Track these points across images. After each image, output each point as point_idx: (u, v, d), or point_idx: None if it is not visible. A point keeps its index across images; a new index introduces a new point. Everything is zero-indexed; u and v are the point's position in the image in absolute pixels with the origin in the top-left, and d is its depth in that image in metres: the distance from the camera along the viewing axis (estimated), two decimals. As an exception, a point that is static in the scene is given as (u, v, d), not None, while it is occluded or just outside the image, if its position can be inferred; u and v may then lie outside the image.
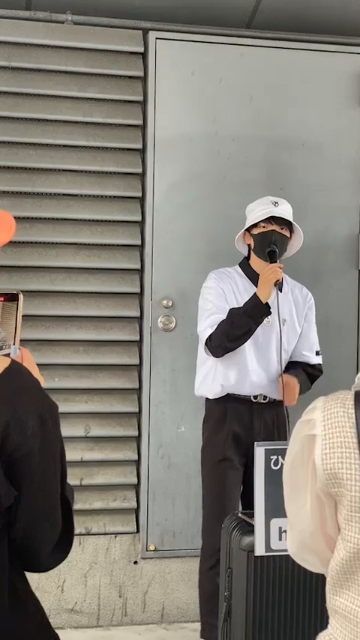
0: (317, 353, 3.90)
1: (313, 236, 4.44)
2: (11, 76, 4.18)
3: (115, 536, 4.30)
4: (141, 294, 4.30)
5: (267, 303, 3.62)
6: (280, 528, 3.01)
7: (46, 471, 1.52)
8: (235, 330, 3.59)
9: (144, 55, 4.30)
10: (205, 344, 3.67)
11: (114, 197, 4.29)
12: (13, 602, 1.54)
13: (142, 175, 4.31)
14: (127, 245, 4.31)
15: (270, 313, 3.64)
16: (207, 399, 3.79)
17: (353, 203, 4.50)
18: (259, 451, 3.00)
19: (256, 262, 3.76)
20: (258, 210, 3.69)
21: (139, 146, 4.31)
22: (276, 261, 3.67)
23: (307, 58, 4.43)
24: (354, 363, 4.46)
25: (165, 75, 4.29)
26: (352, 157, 4.49)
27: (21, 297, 1.60)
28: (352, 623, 1.48)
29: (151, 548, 4.26)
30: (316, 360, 3.89)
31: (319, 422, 1.49)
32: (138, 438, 4.30)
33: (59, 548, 1.60)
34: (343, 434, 1.47)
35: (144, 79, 4.31)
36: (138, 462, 4.30)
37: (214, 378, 3.73)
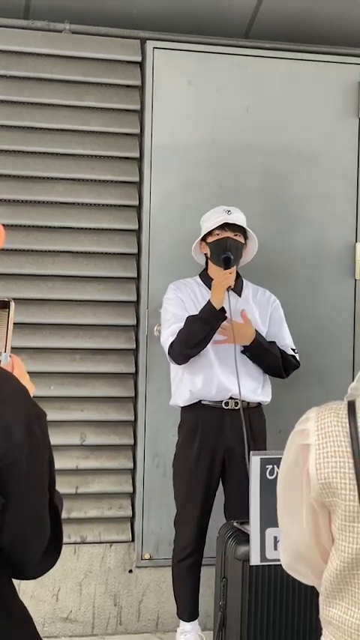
0: (294, 351, 3.97)
1: (309, 245, 4.45)
2: (9, 84, 4.19)
3: (110, 545, 4.29)
4: (137, 302, 4.30)
5: (222, 309, 3.73)
6: (275, 538, 3.01)
7: (34, 478, 1.52)
8: (193, 337, 3.73)
9: (141, 65, 4.31)
10: (168, 353, 3.81)
11: (111, 205, 4.30)
12: (0, 610, 1.54)
13: (139, 184, 4.32)
14: (123, 253, 4.32)
15: (225, 318, 3.74)
16: (181, 408, 3.90)
17: (349, 212, 4.51)
18: (255, 460, 3.00)
19: (213, 270, 3.88)
20: (212, 219, 3.82)
21: (136, 155, 4.32)
22: (230, 267, 3.78)
23: (304, 68, 4.45)
24: (350, 372, 4.46)
25: (162, 84, 4.30)
26: (349, 166, 4.50)
27: (12, 304, 1.60)
28: (346, 633, 1.47)
29: (146, 556, 4.26)
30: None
31: (313, 432, 1.49)
32: (133, 447, 4.29)
33: (47, 556, 1.59)
34: (337, 443, 1.47)
35: (141, 88, 4.32)
36: (133, 471, 4.29)
37: (182, 385, 3.85)
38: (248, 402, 3.83)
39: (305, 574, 1.57)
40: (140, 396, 4.25)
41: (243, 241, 3.86)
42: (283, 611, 3.04)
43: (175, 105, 4.32)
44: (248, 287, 3.98)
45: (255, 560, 3.03)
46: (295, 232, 4.44)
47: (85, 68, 4.26)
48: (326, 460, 1.47)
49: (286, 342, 3.97)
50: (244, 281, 3.99)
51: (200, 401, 3.83)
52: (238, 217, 3.84)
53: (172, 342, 3.77)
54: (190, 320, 3.75)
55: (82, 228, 4.27)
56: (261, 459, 3.01)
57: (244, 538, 3.13)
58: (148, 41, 4.29)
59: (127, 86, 4.32)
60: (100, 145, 4.28)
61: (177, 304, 3.84)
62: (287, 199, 4.43)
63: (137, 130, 4.31)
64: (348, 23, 4.48)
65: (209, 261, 3.91)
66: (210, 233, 3.82)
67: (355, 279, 4.52)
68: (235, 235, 3.82)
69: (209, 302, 3.75)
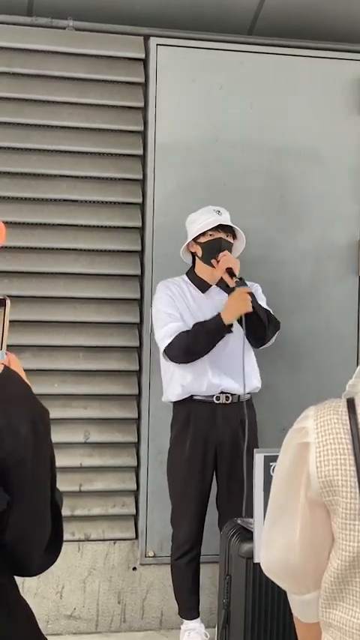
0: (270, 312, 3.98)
1: (312, 243, 4.44)
2: (12, 81, 4.19)
3: (114, 543, 4.29)
4: (141, 299, 4.30)
5: (230, 325, 3.79)
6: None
7: (38, 476, 1.53)
8: (197, 346, 3.80)
9: (145, 61, 4.31)
10: (164, 352, 3.83)
11: (114, 203, 4.30)
12: (2, 606, 1.54)
13: (143, 181, 4.31)
14: (127, 251, 4.31)
15: (231, 332, 3.80)
16: (173, 403, 3.94)
17: (353, 210, 4.50)
18: (259, 457, 2.99)
19: (202, 270, 3.94)
20: (203, 220, 3.87)
21: (140, 152, 4.31)
22: (235, 275, 3.80)
23: (308, 65, 4.44)
24: (354, 370, 4.45)
25: (166, 81, 4.29)
26: (353, 164, 4.49)
27: (8, 302, 1.60)
28: (348, 635, 1.47)
29: (150, 554, 4.26)
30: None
31: (312, 430, 1.48)
32: (137, 444, 4.29)
33: (48, 553, 1.60)
34: (337, 441, 1.46)
35: (145, 85, 4.31)
36: (137, 468, 4.29)
37: (173, 380, 3.89)
38: (239, 395, 3.87)
39: (284, 579, 1.55)
40: (144, 393, 4.25)
41: (232, 241, 3.92)
42: (287, 609, 3.03)
43: (178, 102, 4.31)
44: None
45: (259, 557, 3.03)
46: (298, 230, 4.43)
47: (89, 65, 4.26)
48: (327, 458, 1.46)
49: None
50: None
51: (192, 396, 3.87)
52: (228, 218, 3.90)
53: (170, 343, 3.80)
54: (196, 329, 3.79)
55: (85, 226, 4.27)
56: (265, 456, 3.00)
57: (248, 535, 3.13)
58: (151, 38, 4.28)
59: (131, 83, 4.31)
60: (103, 142, 4.27)
61: (168, 303, 3.88)
62: (291, 196, 4.42)
63: (140, 127, 4.30)
64: (352, 19, 4.47)
65: (198, 261, 3.94)
66: (202, 233, 3.87)
67: (359, 277, 4.51)
68: (227, 236, 3.88)
69: (219, 316, 3.77)
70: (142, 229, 4.31)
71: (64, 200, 4.24)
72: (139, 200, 4.31)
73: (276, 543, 1.53)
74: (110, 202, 4.29)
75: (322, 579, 1.50)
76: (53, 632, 4.19)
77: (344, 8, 4.43)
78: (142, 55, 4.29)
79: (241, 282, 3.79)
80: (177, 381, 3.87)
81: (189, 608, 3.96)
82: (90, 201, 4.27)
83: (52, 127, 4.23)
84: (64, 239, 4.24)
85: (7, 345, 1.61)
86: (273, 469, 2.99)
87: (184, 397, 3.88)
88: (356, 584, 1.46)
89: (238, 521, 3.28)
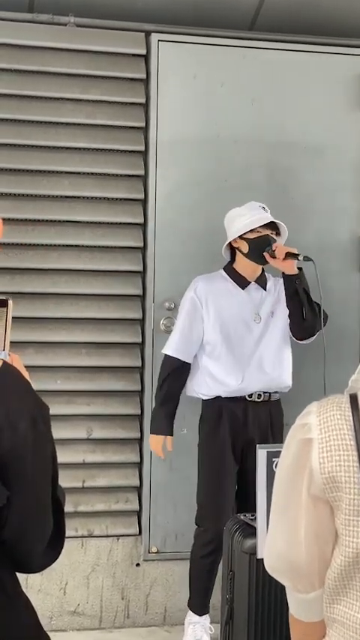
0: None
1: (315, 239, 4.44)
2: (13, 78, 4.19)
3: (118, 539, 4.29)
4: (143, 296, 4.30)
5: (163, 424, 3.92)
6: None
7: (38, 471, 1.54)
8: (157, 399, 3.95)
9: (146, 58, 4.30)
10: (163, 361, 3.94)
11: (116, 199, 4.29)
12: (2, 602, 1.54)
13: (144, 178, 4.31)
14: (129, 247, 4.31)
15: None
16: (202, 400, 3.93)
17: (355, 206, 4.50)
18: (261, 453, 2.99)
19: (244, 265, 3.90)
20: (250, 216, 3.82)
21: (142, 148, 4.31)
22: (297, 255, 3.80)
23: (310, 61, 4.43)
24: (356, 365, 4.45)
25: (167, 77, 4.29)
26: (354, 159, 4.49)
27: (10, 302, 1.61)
28: (351, 629, 1.47)
29: (154, 550, 4.26)
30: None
31: (315, 425, 1.48)
32: (140, 440, 4.29)
33: (50, 550, 1.61)
34: (340, 437, 1.46)
35: (146, 82, 4.31)
36: (140, 464, 4.30)
37: (202, 377, 3.88)
38: (270, 394, 3.88)
39: (290, 577, 1.54)
40: (146, 389, 4.25)
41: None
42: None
43: (180, 98, 4.31)
44: (270, 278, 4.00)
45: (262, 553, 3.03)
46: (300, 225, 4.42)
47: (90, 61, 4.25)
48: (330, 454, 1.45)
49: None
50: (266, 274, 4.00)
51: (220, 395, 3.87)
52: (271, 216, 3.85)
53: (164, 360, 3.91)
54: (158, 401, 3.94)
55: (87, 222, 4.27)
56: (267, 452, 3.00)
57: (251, 531, 3.13)
58: (152, 34, 4.28)
59: (132, 79, 4.31)
60: (105, 138, 4.27)
61: (190, 317, 3.88)
62: (292, 192, 4.42)
63: (142, 124, 4.30)
64: (354, 15, 4.46)
65: (241, 257, 3.89)
66: (250, 230, 3.82)
67: (362, 272, 4.51)
68: (272, 233, 3.85)
69: (156, 422, 3.92)
70: (144, 226, 4.31)
71: (66, 197, 4.24)
72: (141, 196, 4.30)
73: (279, 541, 1.52)
74: (112, 199, 4.29)
75: (326, 576, 1.50)
76: (57, 629, 4.20)
77: (345, 3, 4.42)
78: (144, 52, 4.29)
79: (308, 258, 3.78)
80: (206, 380, 3.87)
81: (202, 605, 3.93)
82: (92, 198, 4.27)
83: (54, 123, 4.22)
84: (66, 236, 4.24)
85: (10, 342, 1.61)
86: (276, 465, 3.00)
87: (213, 396, 3.87)
88: (359, 579, 1.46)
89: (241, 517, 3.28)
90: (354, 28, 4.51)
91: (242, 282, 3.91)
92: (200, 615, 3.94)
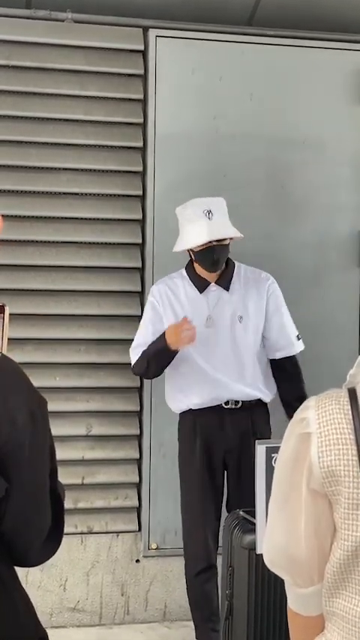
0: (298, 337, 3.82)
1: (314, 234, 4.44)
2: (11, 74, 4.18)
3: (117, 535, 4.29)
4: (141, 292, 4.29)
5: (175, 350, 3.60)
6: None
7: (36, 465, 1.55)
8: (151, 368, 3.69)
9: (144, 53, 4.29)
10: (132, 369, 3.79)
11: (114, 195, 4.29)
12: (0, 596, 1.55)
13: (143, 174, 4.31)
14: (127, 243, 4.31)
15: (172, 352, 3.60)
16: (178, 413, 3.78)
17: (354, 201, 4.49)
18: (260, 449, 2.99)
19: (200, 268, 3.72)
20: (192, 230, 3.58)
21: (140, 144, 4.30)
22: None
23: (308, 55, 4.43)
24: (354, 360, 4.44)
25: (165, 73, 4.28)
26: (354, 154, 4.49)
27: (7, 309, 1.62)
28: (350, 623, 1.47)
29: (153, 546, 4.26)
30: (297, 347, 3.80)
31: (314, 420, 1.48)
32: (139, 437, 4.29)
33: (48, 543, 1.61)
34: (339, 430, 1.46)
35: (144, 77, 4.30)
36: (139, 461, 4.30)
37: (174, 392, 3.74)
38: (249, 401, 3.69)
39: (289, 571, 1.54)
40: (146, 386, 4.25)
41: (228, 242, 3.65)
42: (289, 600, 3.04)
43: (178, 94, 4.30)
44: (240, 275, 3.75)
45: (261, 548, 3.03)
46: (299, 221, 4.42)
47: (88, 57, 4.25)
48: (329, 448, 1.45)
49: (289, 331, 3.78)
50: (236, 267, 3.76)
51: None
52: (221, 223, 3.59)
53: (135, 362, 3.72)
54: (146, 355, 3.66)
55: (85, 219, 4.26)
56: (266, 447, 3.00)
57: (250, 527, 3.13)
58: (150, 29, 4.27)
59: (130, 75, 4.30)
60: (103, 134, 4.27)
61: (152, 316, 3.71)
62: (291, 188, 4.42)
63: (140, 120, 4.29)
64: (352, 9, 4.46)
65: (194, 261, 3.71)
66: None
67: (361, 267, 4.51)
68: (219, 241, 3.60)
69: (165, 339, 3.57)
70: (142, 222, 4.31)
71: (65, 193, 4.23)
72: (140, 192, 4.30)
73: (279, 535, 1.52)
74: (110, 195, 4.28)
75: (325, 569, 1.50)
76: (57, 625, 4.20)
77: (344, -2, 4.42)
78: (142, 47, 4.28)
79: None
80: (177, 395, 3.72)
81: (209, 631, 3.65)
82: (90, 194, 4.27)
83: (52, 119, 4.22)
84: (65, 232, 4.23)
85: (9, 339, 1.61)
86: (274, 460, 2.99)
87: (187, 409, 3.71)
88: (359, 573, 1.46)
89: (240, 513, 3.28)
90: (352, 23, 4.50)
91: (201, 285, 3.70)
92: None
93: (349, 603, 1.47)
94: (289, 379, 3.80)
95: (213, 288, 3.71)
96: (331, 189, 4.46)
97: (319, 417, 1.48)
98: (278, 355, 3.79)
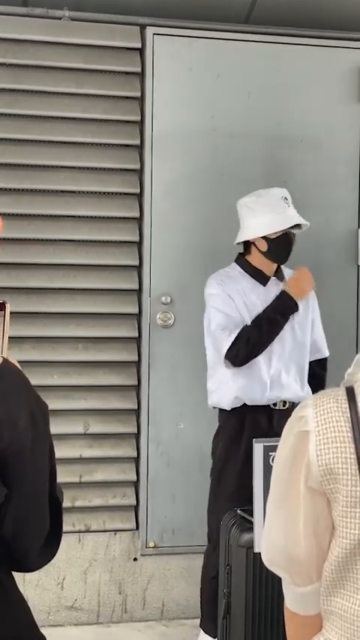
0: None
1: (312, 232, 4.41)
2: (8, 72, 4.17)
3: (115, 534, 4.29)
4: (139, 290, 4.29)
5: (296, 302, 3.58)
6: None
7: (37, 468, 1.54)
8: (266, 335, 3.52)
9: (141, 51, 4.29)
10: (226, 357, 3.53)
11: (112, 194, 4.29)
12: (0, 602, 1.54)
13: (140, 172, 4.30)
14: (125, 241, 4.31)
15: (297, 310, 3.59)
16: (220, 409, 3.67)
17: (352, 199, 4.49)
18: (258, 447, 2.99)
19: (257, 259, 3.66)
20: (273, 215, 3.57)
21: (137, 142, 4.30)
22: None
23: (305, 53, 4.42)
24: (352, 359, 4.44)
25: (163, 71, 4.27)
26: (351, 152, 4.48)
27: (8, 306, 1.59)
28: (349, 621, 1.47)
29: (151, 545, 4.26)
30: (326, 350, 3.85)
31: (312, 418, 1.48)
32: (137, 435, 4.29)
33: (47, 549, 1.60)
34: (337, 429, 1.46)
35: (142, 75, 4.30)
36: (137, 459, 4.29)
37: (225, 386, 3.62)
38: (293, 403, 3.61)
39: (288, 570, 1.54)
40: (143, 384, 4.25)
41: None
42: (287, 598, 3.04)
43: (175, 92, 4.30)
44: (287, 272, 3.77)
45: (259, 547, 3.03)
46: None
47: (85, 55, 4.24)
48: (327, 446, 1.46)
49: (321, 331, 3.81)
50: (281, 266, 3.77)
51: (245, 404, 3.59)
52: (296, 212, 3.63)
53: (231, 345, 3.50)
54: (263, 317, 3.53)
55: (83, 217, 4.26)
56: (264, 446, 3.00)
57: (248, 525, 3.13)
58: (147, 27, 4.26)
59: (128, 73, 4.29)
60: (100, 132, 4.26)
61: (226, 303, 3.55)
62: (289, 186, 4.39)
63: (138, 118, 4.29)
64: (349, 7, 4.45)
65: (258, 253, 3.63)
66: None
67: (358, 266, 4.51)
68: (292, 228, 3.63)
69: (287, 294, 3.55)
70: (140, 220, 4.30)
71: (62, 191, 4.23)
72: (137, 190, 4.30)
73: (277, 534, 1.52)
74: (108, 193, 4.28)
75: (323, 568, 1.50)
76: (54, 624, 4.19)
77: (341, -4, 4.41)
78: (139, 45, 4.28)
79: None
80: (230, 389, 3.58)
81: (215, 628, 3.61)
82: (88, 192, 4.26)
83: (49, 117, 4.21)
84: (62, 230, 4.23)
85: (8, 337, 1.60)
86: (272, 459, 2.99)
87: (238, 406, 3.59)
88: (357, 571, 1.46)
89: (238, 511, 3.28)
90: (351, 21, 4.50)
91: (262, 279, 3.65)
92: (213, 637, 3.65)
93: (347, 602, 1.47)
94: (321, 383, 3.75)
95: (274, 281, 3.68)
96: (329, 187, 4.46)
97: (318, 415, 1.48)
98: (318, 356, 3.80)
